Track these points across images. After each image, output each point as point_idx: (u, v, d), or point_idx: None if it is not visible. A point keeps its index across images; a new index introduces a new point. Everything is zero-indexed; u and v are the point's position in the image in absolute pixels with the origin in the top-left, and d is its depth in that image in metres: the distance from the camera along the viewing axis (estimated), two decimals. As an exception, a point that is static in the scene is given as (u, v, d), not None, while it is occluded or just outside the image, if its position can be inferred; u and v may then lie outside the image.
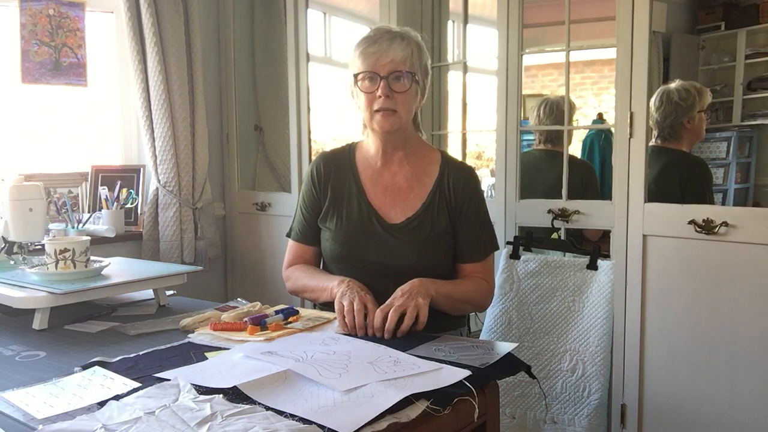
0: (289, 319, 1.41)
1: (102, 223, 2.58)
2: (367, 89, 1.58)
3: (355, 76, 1.59)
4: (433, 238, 1.61)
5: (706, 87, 2.60)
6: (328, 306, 1.62)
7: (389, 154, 1.67)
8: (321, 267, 1.76)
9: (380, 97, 1.56)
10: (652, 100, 2.46)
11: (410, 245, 1.60)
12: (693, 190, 2.36)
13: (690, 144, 2.57)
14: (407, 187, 1.66)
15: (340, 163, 1.71)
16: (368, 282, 1.59)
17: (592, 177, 2.72)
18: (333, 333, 1.33)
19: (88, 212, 2.60)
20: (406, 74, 1.57)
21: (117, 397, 0.98)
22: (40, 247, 1.86)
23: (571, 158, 2.40)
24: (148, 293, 1.72)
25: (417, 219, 1.62)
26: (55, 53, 2.55)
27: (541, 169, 2.63)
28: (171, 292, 1.76)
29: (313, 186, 1.71)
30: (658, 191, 2.21)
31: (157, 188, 2.73)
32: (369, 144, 1.70)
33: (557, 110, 2.71)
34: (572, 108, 2.54)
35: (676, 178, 2.39)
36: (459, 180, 1.66)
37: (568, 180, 2.23)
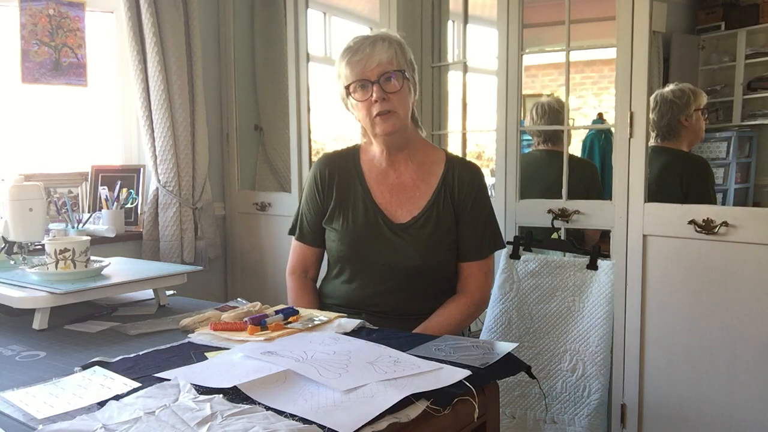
0: (289, 319, 1.41)
1: (102, 223, 2.58)
2: (361, 98, 1.58)
3: (347, 87, 1.59)
4: (439, 236, 1.61)
5: (706, 87, 2.60)
6: (328, 306, 1.62)
7: (393, 155, 1.68)
8: (326, 266, 1.76)
9: (376, 101, 1.56)
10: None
11: (416, 245, 1.60)
12: (695, 190, 2.35)
13: (690, 144, 2.56)
14: (413, 186, 1.66)
15: (344, 165, 1.71)
16: (374, 281, 1.58)
17: (595, 176, 2.71)
18: (333, 333, 1.33)
19: (88, 212, 2.60)
20: (396, 73, 1.57)
21: (117, 397, 0.98)
22: (40, 247, 1.86)
23: (574, 158, 2.39)
24: (148, 293, 1.72)
25: (423, 217, 1.62)
26: (55, 53, 2.55)
27: (542, 169, 2.63)
28: (171, 292, 1.75)
29: (316, 189, 1.71)
30: (659, 191, 2.20)
31: (157, 188, 2.73)
32: (372, 147, 1.70)
33: (550, 111, 2.71)
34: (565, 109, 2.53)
35: (677, 178, 2.38)
36: (465, 176, 1.66)
37: (571, 180, 2.23)
